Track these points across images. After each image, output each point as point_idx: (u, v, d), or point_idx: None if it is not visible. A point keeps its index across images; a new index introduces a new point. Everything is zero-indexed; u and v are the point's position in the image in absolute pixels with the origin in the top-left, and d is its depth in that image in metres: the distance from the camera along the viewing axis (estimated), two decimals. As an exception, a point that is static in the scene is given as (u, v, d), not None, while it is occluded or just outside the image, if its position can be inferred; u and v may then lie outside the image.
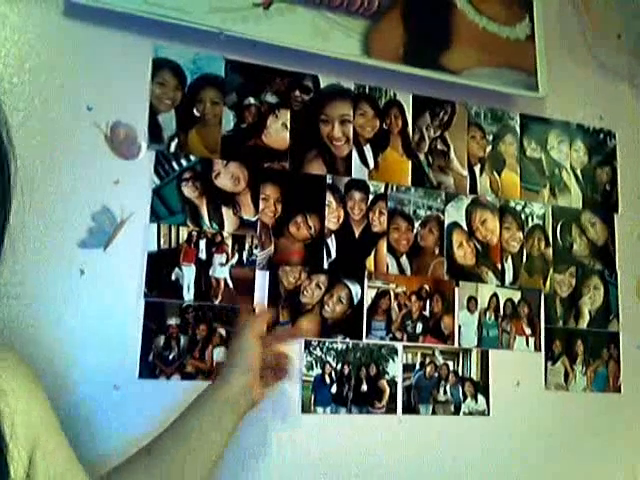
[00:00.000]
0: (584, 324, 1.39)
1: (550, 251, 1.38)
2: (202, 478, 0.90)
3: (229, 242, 1.14)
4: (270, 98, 1.20)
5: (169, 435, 0.91)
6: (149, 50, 1.13)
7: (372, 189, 1.25)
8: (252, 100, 1.19)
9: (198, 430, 0.91)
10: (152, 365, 1.06)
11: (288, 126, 1.21)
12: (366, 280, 1.22)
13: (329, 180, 1.22)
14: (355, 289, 1.21)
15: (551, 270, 1.37)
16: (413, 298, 1.24)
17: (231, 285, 1.12)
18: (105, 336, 1.04)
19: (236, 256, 1.14)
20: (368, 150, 1.26)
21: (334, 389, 1.17)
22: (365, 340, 1.20)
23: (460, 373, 1.26)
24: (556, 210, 1.40)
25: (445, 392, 1.24)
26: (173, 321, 1.08)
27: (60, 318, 1.02)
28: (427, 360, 1.24)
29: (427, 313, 1.25)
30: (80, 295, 1.03)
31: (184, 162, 1.13)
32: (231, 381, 0.94)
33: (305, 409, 1.15)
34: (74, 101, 1.07)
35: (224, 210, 1.14)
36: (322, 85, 1.24)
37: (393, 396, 1.21)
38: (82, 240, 1.05)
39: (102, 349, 1.03)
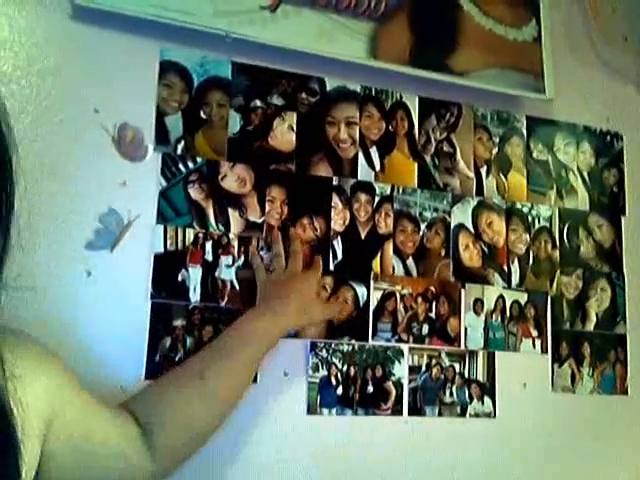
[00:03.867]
0: (591, 326, 1.38)
1: (557, 253, 1.38)
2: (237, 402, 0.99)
3: (235, 244, 1.14)
4: (276, 100, 1.20)
5: (223, 361, 0.96)
6: (156, 53, 1.13)
7: (378, 191, 1.25)
8: (258, 102, 1.19)
9: (253, 358, 0.99)
10: (158, 366, 1.06)
11: (294, 128, 1.21)
12: (372, 282, 1.22)
13: (335, 182, 1.22)
14: (361, 291, 1.21)
15: (558, 272, 1.37)
16: (419, 300, 1.24)
17: (237, 287, 1.13)
18: (111, 337, 1.04)
19: (242, 258, 1.14)
20: (374, 152, 1.26)
21: (340, 391, 1.17)
22: (371, 342, 1.20)
23: (466, 375, 1.26)
24: (563, 212, 1.40)
25: (451, 394, 1.24)
26: (179, 322, 1.08)
27: (67, 319, 1.02)
28: (433, 362, 1.24)
29: (433, 315, 1.25)
30: (87, 296, 1.04)
31: (191, 164, 1.13)
32: (288, 321, 1.04)
33: (311, 410, 1.15)
34: (81, 103, 1.07)
35: (230, 212, 1.14)
36: (328, 87, 1.24)
37: (399, 398, 1.21)
38: (89, 242, 1.05)
39: (108, 350, 1.04)
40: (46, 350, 0.80)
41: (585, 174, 1.44)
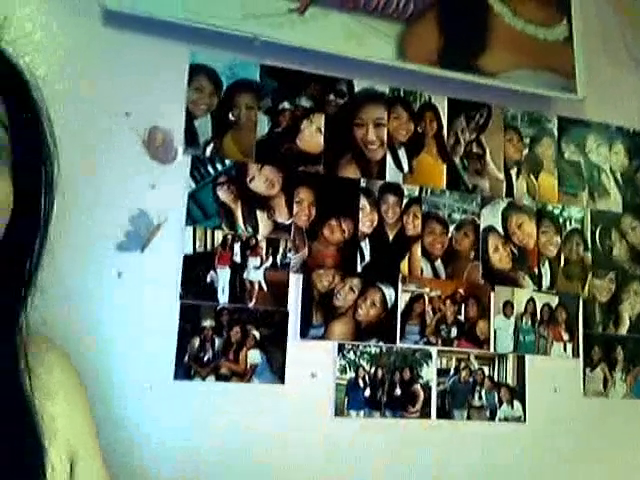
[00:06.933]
0: (624, 330, 1.36)
1: (589, 255, 1.36)
2: None
3: (263, 245, 1.14)
4: (304, 102, 1.21)
5: None
6: (186, 56, 1.15)
7: (406, 193, 1.25)
8: (286, 104, 1.20)
9: None
10: (187, 366, 1.07)
11: (322, 130, 1.21)
12: (400, 284, 1.21)
13: (363, 184, 1.22)
14: (389, 293, 1.20)
15: (590, 275, 1.35)
16: (448, 302, 1.24)
17: (265, 288, 1.13)
18: (141, 338, 1.06)
19: (270, 259, 1.14)
20: (402, 154, 1.26)
21: (368, 393, 1.17)
22: (399, 344, 1.20)
23: (496, 379, 1.25)
24: (595, 214, 1.38)
25: (480, 397, 1.23)
26: (208, 323, 1.09)
27: (97, 320, 1.04)
28: (462, 365, 1.23)
29: (462, 317, 1.24)
30: (117, 297, 1.05)
31: (219, 166, 1.14)
32: None
33: (338, 412, 1.15)
34: (113, 107, 1.09)
35: (259, 213, 1.15)
36: (356, 89, 1.24)
37: (427, 400, 1.20)
38: (120, 243, 1.07)
39: (138, 350, 1.05)
40: (77, 374, 0.80)
41: (618, 175, 1.42)
